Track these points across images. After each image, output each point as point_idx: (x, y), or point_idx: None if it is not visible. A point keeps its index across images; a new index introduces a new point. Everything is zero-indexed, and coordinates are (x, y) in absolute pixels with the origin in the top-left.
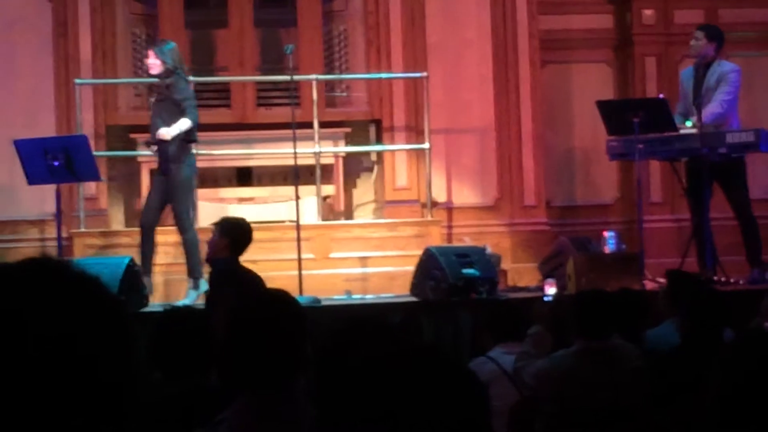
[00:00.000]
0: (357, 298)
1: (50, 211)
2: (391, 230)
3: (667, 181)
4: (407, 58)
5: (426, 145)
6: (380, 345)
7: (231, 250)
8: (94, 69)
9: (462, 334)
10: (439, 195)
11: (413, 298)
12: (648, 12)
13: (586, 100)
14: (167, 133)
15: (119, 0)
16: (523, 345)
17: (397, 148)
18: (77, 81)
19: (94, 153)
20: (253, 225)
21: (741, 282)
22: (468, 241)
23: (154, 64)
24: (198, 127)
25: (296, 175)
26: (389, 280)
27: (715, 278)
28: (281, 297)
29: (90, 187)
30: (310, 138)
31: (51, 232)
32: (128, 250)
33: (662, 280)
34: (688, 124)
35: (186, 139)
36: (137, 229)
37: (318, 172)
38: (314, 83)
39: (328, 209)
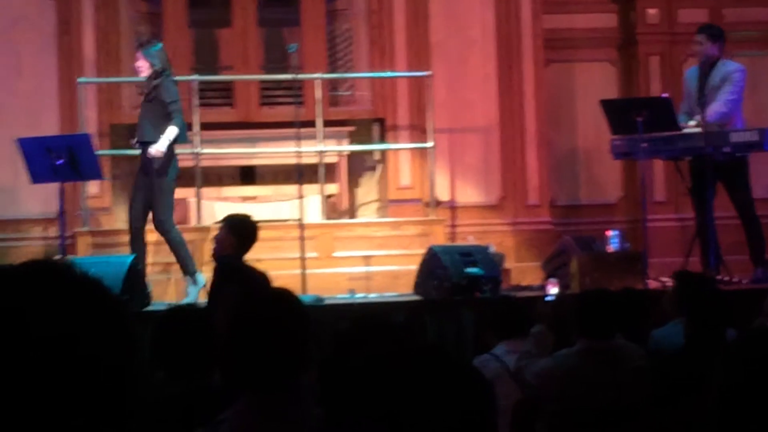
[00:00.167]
0: (360, 297)
1: (53, 210)
2: (395, 229)
3: (670, 180)
4: (411, 57)
5: (429, 144)
6: (384, 344)
7: (238, 248)
8: (97, 67)
9: (465, 332)
10: (443, 194)
11: (417, 297)
12: (652, 11)
13: (590, 100)
14: (159, 149)
15: None
16: (525, 344)
17: (401, 147)
18: (80, 80)
19: (98, 152)
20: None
21: (744, 281)
22: (471, 240)
23: (143, 66)
24: (187, 126)
25: (300, 174)
26: (393, 279)
27: (719, 278)
28: (284, 296)
29: (93, 186)
30: (314, 137)
31: (54, 230)
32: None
33: (666, 279)
34: (692, 122)
35: (172, 140)
36: None
37: (321, 170)
38: (318, 82)
39: (331, 208)
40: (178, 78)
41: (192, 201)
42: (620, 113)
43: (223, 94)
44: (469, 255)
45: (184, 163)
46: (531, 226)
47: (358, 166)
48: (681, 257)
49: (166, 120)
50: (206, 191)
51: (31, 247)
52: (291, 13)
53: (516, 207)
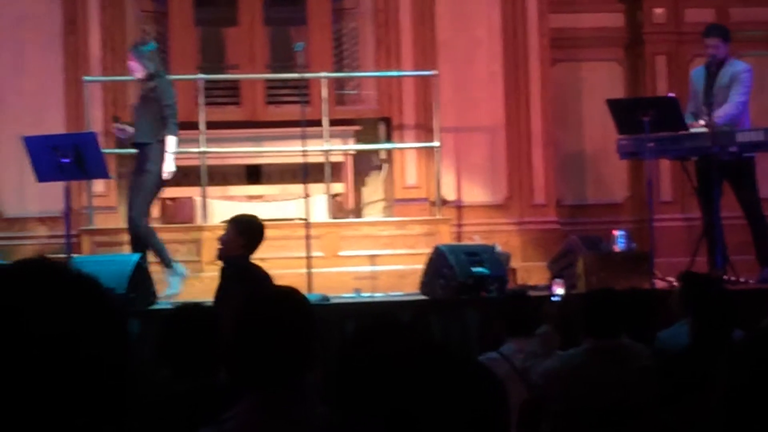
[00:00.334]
0: (366, 296)
1: (59, 208)
2: (401, 228)
3: (677, 180)
4: (417, 56)
5: (436, 144)
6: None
7: (245, 248)
8: (103, 66)
9: (470, 332)
10: (449, 193)
11: (423, 297)
12: (659, 11)
13: (597, 99)
14: (169, 170)
15: None
16: (531, 344)
17: (407, 146)
18: (86, 78)
19: (103, 150)
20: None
21: (751, 281)
22: (477, 240)
23: (136, 68)
24: (187, 125)
25: (306, 173)
26: (399, 279)
27: (726, 278)
28: (290, 294)
29: (99, 185)
30: (320, 136)
31: (59, 229)
32: None
33: (672, 279)
34: (700, 122)
35: (164, 141)
36: None
37: (327, 170)
38: (324, 81)
39: (337, 207)
40: (184, 77)
41: (197, 200)
42: (627, 113)
43: (229, 92)
44: (475, 254)
45: (189, 161)
46: (537, 226)
47: (364, 165)
48: (687, 257)
49: (161, 121)
50: (212, 190)
51: (36, 245)
52: (297, 11)
53: (522, 206)
